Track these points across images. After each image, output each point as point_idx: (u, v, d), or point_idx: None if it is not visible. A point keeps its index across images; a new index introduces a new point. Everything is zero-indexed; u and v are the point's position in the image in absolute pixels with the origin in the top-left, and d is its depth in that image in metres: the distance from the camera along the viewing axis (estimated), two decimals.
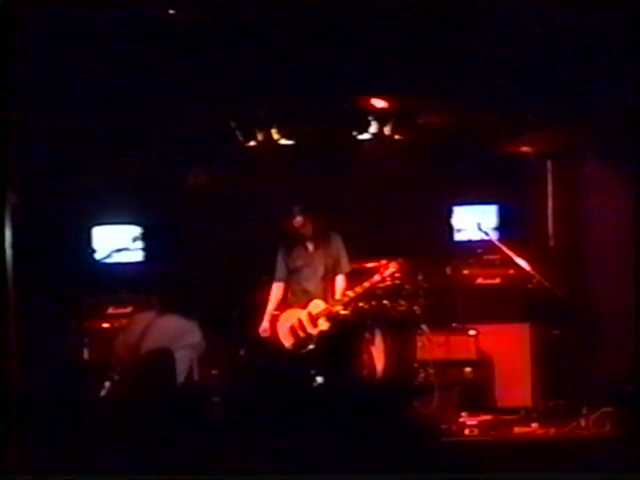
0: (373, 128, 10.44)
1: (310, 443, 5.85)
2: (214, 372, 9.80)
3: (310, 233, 9.44)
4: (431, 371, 9.48)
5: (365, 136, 10.51)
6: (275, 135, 10.52)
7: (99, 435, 7.49)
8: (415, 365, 9.60)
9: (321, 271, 9.46)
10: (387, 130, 10.46)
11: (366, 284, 9.38)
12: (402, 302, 9.78)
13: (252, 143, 10.57)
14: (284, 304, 9.56)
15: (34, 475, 6.11)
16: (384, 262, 9.54)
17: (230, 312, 10.33)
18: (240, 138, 10.56)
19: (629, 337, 8.90)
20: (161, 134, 10.17)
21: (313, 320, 9.34)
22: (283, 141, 10.55)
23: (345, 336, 9.45)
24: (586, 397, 9.16)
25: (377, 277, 9.41)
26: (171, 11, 8.09)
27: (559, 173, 10.91)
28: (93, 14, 7.83)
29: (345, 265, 9.48)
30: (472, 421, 9.03)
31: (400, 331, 9.75)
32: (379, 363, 9.41)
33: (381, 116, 10.38)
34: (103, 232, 10.46)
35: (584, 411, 8.95)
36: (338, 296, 9.42)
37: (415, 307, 9.80)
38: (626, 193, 9.36)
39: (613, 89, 8.66)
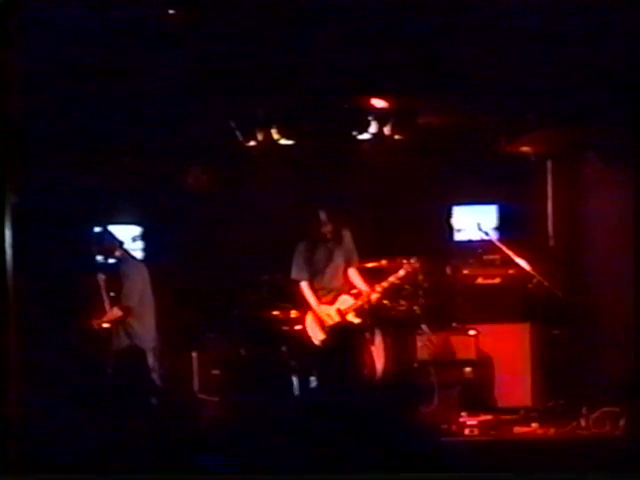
0: (373, 128, 10.43)
1: (309, 442, 5.84)
2: (215, 372, 9.86)
3: (331, 232, 9.49)
4: (431, 371, 9.48)
5: (365, 136, 10.51)
6: (275, 135, 10.51)
7: (100, 435, 7.49)
8: (415, 365, 9.60)
9: (342, 267, 9.53)
10: (387, 130, 10.45)
11: (392, 279, 9.43)
12: (402, 302, 9.78)
13: (252, 143, 10.57)
14: (307, 302, 9.60)
15: (34, 475, 6.11)
16: (405, 260, 9.57)
17: (229, 312, 10.37)
18: (240, 138, 10.56)
19: (629, 337, 8.90)
20: (161, 134, 10.16)
21: (342, 316, 9.38)
22: (283, 141, 10.55)
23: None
24: (586, 397, 9.17)
25: (402, 272, 9.44)
26: (171, 11, 8.09)
27: (559, 173, 10.91)
28: (93, 14, 7.83)
29: (355, 258, 9.56)
30: (472, 421, 9.03)
31: (400, 331, 9.76)
32: (379, 363, 9.41)
33: (381, 116, 10.37)
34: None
35: (584, 411, 8.95)
36: (363, 289, 9.47)
37: (415, 307, 9.80)
38: (626, 193, 9.35)
39: (613, 89, 8.65)
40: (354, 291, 9.49)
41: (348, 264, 9.54)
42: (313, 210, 9.49)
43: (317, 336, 9.42)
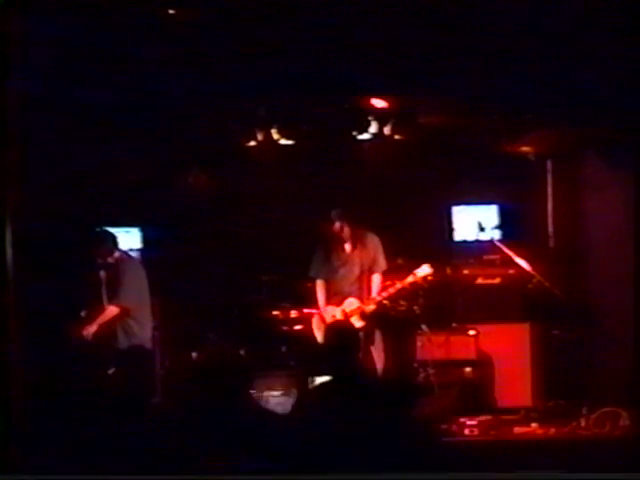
0: (373, 128, 10.43)
1: (310, 442, 5.85)
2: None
3: (348, 235, 9.52)
4: (431, 371, 9.49)
5: (365, 136, 10.50)
6: (275, 135, 10.51)
7: (99, 435, 7.50)
8: (415, 365, 9.60)
9: (356, 271, 9.57)
10: (387, 130, 10.45)
11: (399, 285, 9.45)
12: (402, 302, 9.79)
13: (252, 143, 10.57)
14: (316, 302, 9.65)
15: (34, 475, 6.11)
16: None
17: (230, 312, 10.38)
18: (240, 138, 10.57)
19: (629, 337, 8.91)
20: (161, 134, 10.16)
21: (346, 318, 9.40)
22: (283, 141, 10.55)
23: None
24: (586, 397, 9.17)
25: (410, 278, 9.45)
26: (171, 11, 8.08)
27: (559, 173, 10.92)
28: (93, 14, 7.83)
29: (382, 264, 9.56)
30: (472, 421, 9.03)
31: (400, 331, 9.76)
32: (379, 363, 9.42)
33: (381, 116, 10.37)
34: None
35: (584, 411, 8.95)
36: (374, 294, 9.48)
37: (415, 307, 9.80)
38: (626, 193, 9.37)
39: (613, 89, 8.65)
40: (363, 295, 9.49)
41: (370, 271, 9.53)
42: (330, 215, 9.52)
43: (321, 336, 9.46)
